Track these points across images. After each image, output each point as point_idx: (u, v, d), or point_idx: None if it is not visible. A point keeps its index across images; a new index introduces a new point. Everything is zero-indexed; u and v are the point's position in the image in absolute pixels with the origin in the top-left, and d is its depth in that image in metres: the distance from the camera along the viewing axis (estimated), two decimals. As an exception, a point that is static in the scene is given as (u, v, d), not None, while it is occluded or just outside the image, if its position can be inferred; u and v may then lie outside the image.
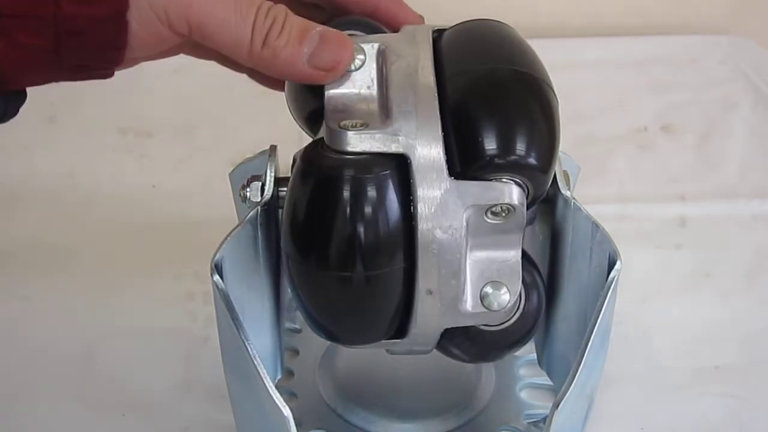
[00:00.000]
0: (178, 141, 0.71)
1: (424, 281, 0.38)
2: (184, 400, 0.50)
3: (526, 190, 0.39)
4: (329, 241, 0.38)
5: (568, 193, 0.43)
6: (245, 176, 0.44)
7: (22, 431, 0.49)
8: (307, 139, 0.44)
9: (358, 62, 0.40)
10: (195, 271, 0.59)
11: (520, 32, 0.43)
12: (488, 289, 0.39)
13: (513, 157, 0.38)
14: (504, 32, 0.42)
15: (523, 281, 0.40)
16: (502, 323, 0.41)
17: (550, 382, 0.49)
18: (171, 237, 0.62)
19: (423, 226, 0.37)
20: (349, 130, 0.37)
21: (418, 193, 0.37)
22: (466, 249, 0.38)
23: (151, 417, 0.49)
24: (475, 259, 0.39)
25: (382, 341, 0.41)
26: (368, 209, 0.37)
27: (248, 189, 0.43)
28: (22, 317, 0.56)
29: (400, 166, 0.37)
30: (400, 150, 0.37)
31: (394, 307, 0.39)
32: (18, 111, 0.38)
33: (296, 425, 0.38)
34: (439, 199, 0.37)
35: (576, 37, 0.87)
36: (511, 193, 0.38)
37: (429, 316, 0.39)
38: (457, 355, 0.42)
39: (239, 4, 0.37)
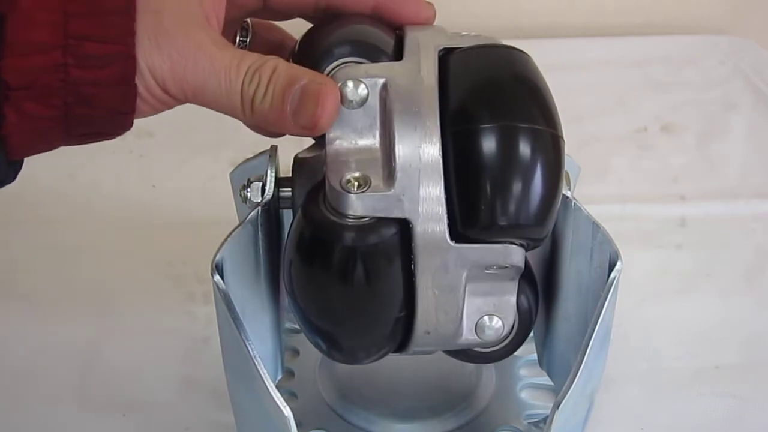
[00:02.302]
0: (178, 141, 0.71)
1: (422, 326, 0.39)
2: (184, 400, 0.50)
3: (526, 245, 0.39)
4: (329, 298, 0.39)
5: (568, 194, 0.43)
6: (246, 176, 0.44)
7: (22, 431, 0.49)
8: (308, 141, 0.44)
9: (361, 94, 0.38)
10: (195, 271, 0.59)
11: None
12: (484, 321, 0.40)
13: (516, 225, 0.38)
14: (515, 68, 0.40)
15: (517, 300, 0.41)
16: (494, 346, 0.42)
17: (551, 383, 0.48)
18: (171, 237, 0.62)
19: (423, 284, 0.38)
20: (351, 192, 0.37)
21: (419, 257, 0.38)
22: (464, 297, 0.39)
23: (151, 417, 0.49)
24: (472, 300, 0.39)
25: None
26: (368, 275, 0.38)
27: (249, 189, 0.43)
28: (22, 317, 0.56)
29: (403, 228, 0.37)
30: (403, 215, 0.37)
31: (393, 342, 0.41)
32: (15, 177, 0.38)
33: (297, 425, 0.38)
34: (440, 262, 0.38)
35: (576, 37, 0.87)
36: (512, 254, 0.38)
37: (426, 346, 0.41)
38: (458, 357, 0.43)
39: (228, 72, 0.37)
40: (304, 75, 0.37)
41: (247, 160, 0.46)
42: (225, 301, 0.39)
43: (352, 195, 0.37)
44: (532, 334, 0.49)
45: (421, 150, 0.37)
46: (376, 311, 0.39)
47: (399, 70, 0.39)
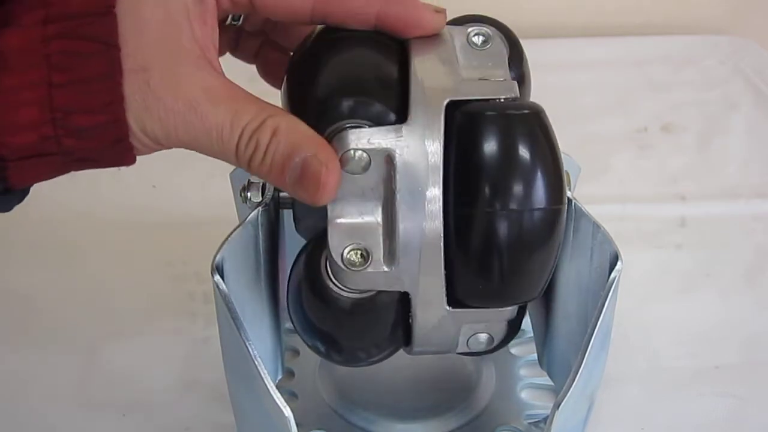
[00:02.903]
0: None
1: (417, 350, 0.41)
2: (184, 400, 0.50)
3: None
4: (328, 337, 0.41)
5: (568, 194, 0.43)
6: (246, 177, 0.44)
7: (22, 431, 0.49)
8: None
9: (364, 161, 0.37)
10: (195, 271, 0.59)
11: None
12: (477, 337, 0.41)
13: (512, 298, 0.39)
14: (522, 141, 0.37)
15: None
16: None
17: (551, 383, 0.48)
18: (171, 237, 0.62)
19: (420, 332, 0.39)
20: (351, 269, 0.37)
21: (418, 319, 0.39)
22: (458, 336, 0.40)
23: (151, 417, 0.49)
24: (468, 326, 0.40)
25: None
26: (366, 330, 0.40)
27: (249, 190, 0.43)
28: (22, 317, 0.56)
29: (402, 297, 0.39)
30: (403, 289, 0.38)
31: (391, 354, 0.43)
32: (23, 200, 0.38)
33: (297, 426, 0.38)
34: (437, 322, 0.39)
35: (576, 37, 0.87)
36: (506, 314, 0.40)
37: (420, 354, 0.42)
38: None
39: (221, 132, 0.35)
40: (306, 145, 0.36)
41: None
42: (225, 301, 0.39)
43: (353, 270, 0.38)
44: (532, 333, 0.49)
45: (423, 230, 0.37)
46: (374, 345, 0.41)
47: (403, 138, 0.37)
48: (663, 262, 0.61)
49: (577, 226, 0.43)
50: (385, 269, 0.38)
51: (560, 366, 0.46)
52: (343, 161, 0.37)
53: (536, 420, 0.49)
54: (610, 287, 0.40)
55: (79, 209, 0.64)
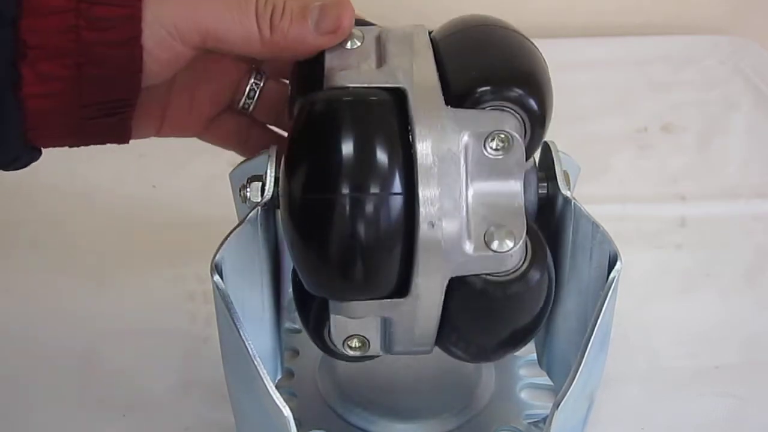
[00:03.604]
0: (178, 141, 0.71)
1: (425, 210, 0.37)
2: (184, 400, 0.50)
3: (522, 122, 0.40)
4: (328, 166, 0.38)
5: (568, 193, 0.43)
6: (245, 176, 0.44)
7: (22, 431, 0.49)
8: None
9: (357, 42, 0.41)
10: (195, 271, 0.59)
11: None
12: (492, 230, 0.38)
13: (504, 84, 0.39)
14: (496, 21, 0.43)
15: (529, 237, 0.40)
16: (508, 274, 0.39)
17: (551, 383, 0.48)
18: (171, 237, 0.62)
19: (421, 151, 0.38)
20: (347, 69, 0.40)
21: (416, 122, 0.38)
22: (467, 177, 0.38)
23: (151, 417, 0.49)
24: (477, 200, 0.38)
25: (383, 301, 0.39)
26: (366, 135, 0.38)
27: (248, 189, 0.43)
28: (22, 317, 0.56)
29: (398, 98, 0.39)
30: (398, 83, 0.39)
31: (394, 245, 0.38)
32: (30, 162, 0.41)
33: (296, 425, 0.38)
34: (437, 126, 0.38)
35: (576, 37, 0.87)
36: (506, 120, 0.39)
37: (432, 257, 0.38)
38: (457, 355, 0.43)
39: (239, 1, 0.40)
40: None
41: (247, 159, 0.46)
42: (225, 301, 0.39)
43: (349, 68, 0.40)
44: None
45: (413, 46, 0.41)
46: (372, 181, 0.37)
47: (392, 28, 0.43)
48: (663, 262, 0.61)
49: (576, 226, 0.43)
50: (379, 68, 0.40)
51: (560, 366, 0.46)
52: (343, 41, 0.42)
53: (536, 420, 0.49)
54: (610, 287, 0.40)
55: (79, 209, 0.64)
